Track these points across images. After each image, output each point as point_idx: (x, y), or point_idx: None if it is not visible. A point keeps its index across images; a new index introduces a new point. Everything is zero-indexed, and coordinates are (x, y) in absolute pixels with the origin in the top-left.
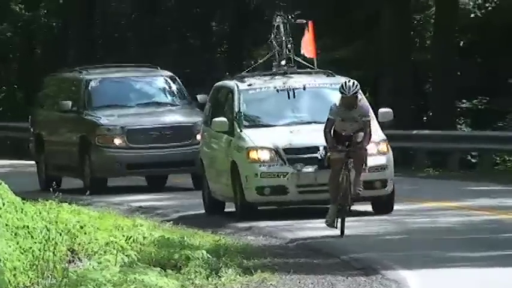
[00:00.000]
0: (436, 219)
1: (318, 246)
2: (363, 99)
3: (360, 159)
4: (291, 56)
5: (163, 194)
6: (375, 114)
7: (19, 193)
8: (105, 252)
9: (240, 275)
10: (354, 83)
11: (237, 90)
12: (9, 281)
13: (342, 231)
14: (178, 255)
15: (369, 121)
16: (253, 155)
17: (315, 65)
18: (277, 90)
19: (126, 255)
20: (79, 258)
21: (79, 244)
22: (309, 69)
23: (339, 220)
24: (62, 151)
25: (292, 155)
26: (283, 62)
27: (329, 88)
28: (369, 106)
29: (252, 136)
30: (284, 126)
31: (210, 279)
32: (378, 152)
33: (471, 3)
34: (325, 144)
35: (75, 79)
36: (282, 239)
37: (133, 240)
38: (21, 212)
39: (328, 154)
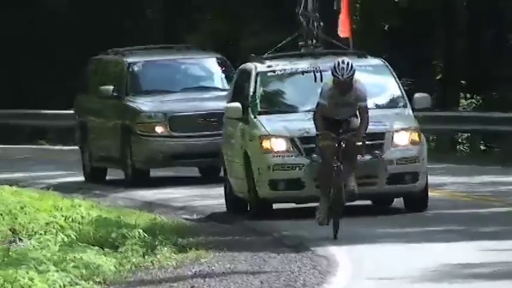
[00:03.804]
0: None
1: (251, 225)
2: (358, 81)
3: (354, 148)
4: (319, 34)
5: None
6: (408, 99)
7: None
8: (45, 232)
9: (175, 253)
10: (348, 63)
11: (254, 73)
12: None
13: (336, 233)
14: (116, 234)
15: (366, 106)
16: (266, 144)
17: (351, 45)
18: (302, 73)
19: (66, 235)
20: (20, 238)
21: (20, 224)
22: (338, 50)
23: (332, 220)
24: (104, 140)
25: (310, 144)
26: (313, 41)
27: (361, 70)
28: (366, 89)
29: (266, 123)
30: (305, 112)
31: (146, 257)
32: (408, 141)
33: None
34: None
35: (117, 62)
36: (215, 217)
37: (72, 220)
38: None
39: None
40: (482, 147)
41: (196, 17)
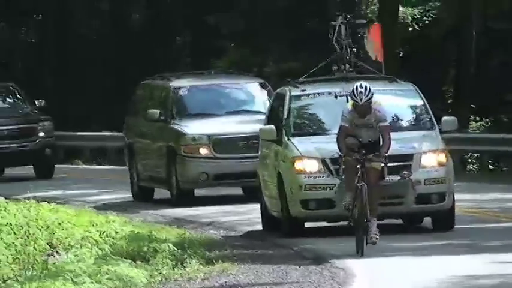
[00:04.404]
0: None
1: (273, 239)
2: (377, 103)
3: (374, 170)
4: (352, 59)
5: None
6: (437, 122)
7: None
8: (81, 246)
9: (203, 266)
10: (366, 87)
11: (288, 96)
12: None
13: (362, 251)
14: (147, 248)
15: (387, 127)
16: (298, 165)
17: (383, 70)
18: (335, 96)
19: (100, 249)
20: (57, 252)
21: (57, 239)
22: (369, 75)
23: (358, 240)
24: (151, 161)
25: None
26: (345, 66)
27: (392, 94)
28: (385, 110)
29: (298, 145)
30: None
31: (175, 269)
32: (436, 162)
33: (410, 17)
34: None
35: (164, 87)
36: (241, 232)
37: (107, 235)
38: (4, 211)
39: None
40: (490, 167)
41: (222, 44)
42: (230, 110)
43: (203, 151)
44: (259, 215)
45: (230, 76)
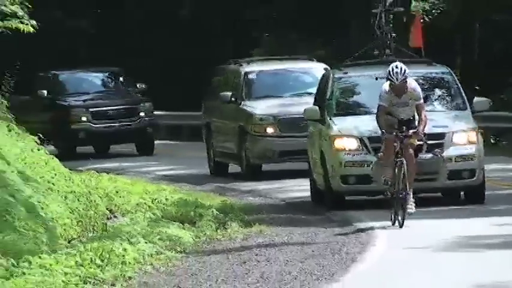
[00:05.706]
0: None
1: (305, 205)
2: (412, 82)
3: (412, 146)
4: (392, 44)
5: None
6: (469, 103)
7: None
8: (136, 211)
9: (242, 228)
10: (401, 68)
11: (331, 78)
12: (61, 234)
13: (401, 223)
14: (193, 212)
15: (422, 105)
16: (338, 143)
17: (422, 54)
18: (376, 78)
19: (153, 213)
20: (115, 216)
21: (115, 205)
22: (408, 58)
23: (397, 212)
24: (225, 139)
25: (378, 143)
26: (385, 51)
27: (428, 76)
28: (419, 88)
29: (339, 124)
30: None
31: (218, 231)
32: (466, 141)
33: (420, 10)
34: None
35: (236, 71)
36: (276, 198)
37: (158, 202)
38: (70, 180)
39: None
40: (492, 141)
41: (257, 35)
42: (294, 92)
43: (270, 130)
44: (293, 185)
45: (295, 61)
